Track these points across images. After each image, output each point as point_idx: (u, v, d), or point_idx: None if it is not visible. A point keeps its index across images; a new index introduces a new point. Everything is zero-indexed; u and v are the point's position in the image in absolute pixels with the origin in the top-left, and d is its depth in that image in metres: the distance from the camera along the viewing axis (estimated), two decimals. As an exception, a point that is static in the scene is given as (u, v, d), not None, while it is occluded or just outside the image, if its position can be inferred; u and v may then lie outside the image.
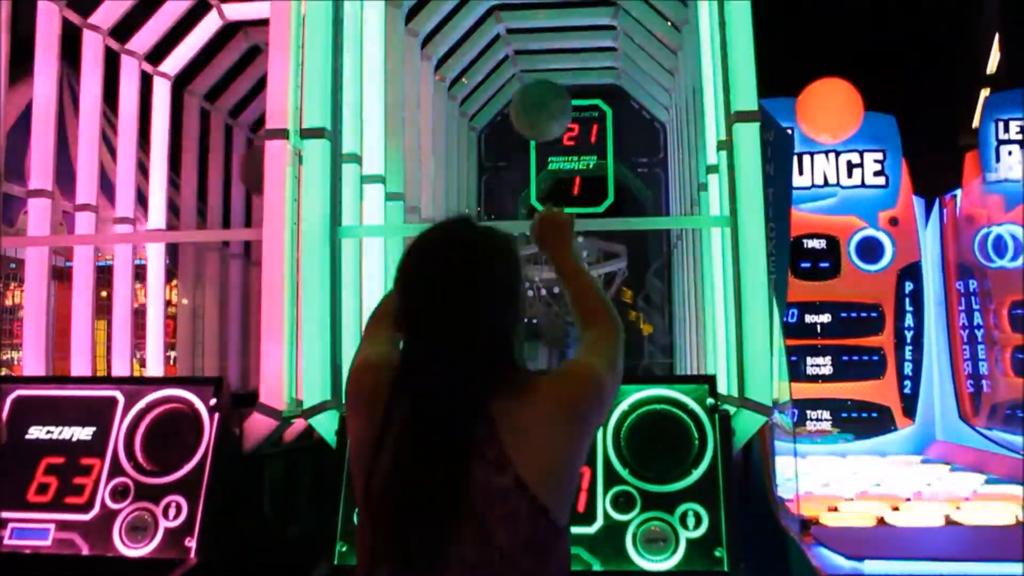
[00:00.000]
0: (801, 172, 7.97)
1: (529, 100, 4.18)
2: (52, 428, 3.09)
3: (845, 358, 7.79)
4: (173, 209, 5.67)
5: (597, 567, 2.66)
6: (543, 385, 1.47)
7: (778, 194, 5.01)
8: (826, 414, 7.66)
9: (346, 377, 1.63)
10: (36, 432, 3.09)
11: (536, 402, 1.43)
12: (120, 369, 4.62)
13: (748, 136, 3.11)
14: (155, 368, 5.04)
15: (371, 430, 1.44)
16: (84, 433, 3.07)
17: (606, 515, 2.74)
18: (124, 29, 4.73)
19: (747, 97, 3.15)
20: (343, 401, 3.24)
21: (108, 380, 3.81)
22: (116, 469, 2.98)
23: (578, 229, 1.93)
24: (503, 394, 1.42)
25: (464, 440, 1.37)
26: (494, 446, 1.37)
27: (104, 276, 4.81)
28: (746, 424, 2.98)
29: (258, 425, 3.21)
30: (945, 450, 7.27)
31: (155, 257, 5.11)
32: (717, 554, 2.65)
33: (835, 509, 4.71)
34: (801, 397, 7.55)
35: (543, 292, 7.32)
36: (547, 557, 1.39)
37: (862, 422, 7.64)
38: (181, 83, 5.51)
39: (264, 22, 3.71)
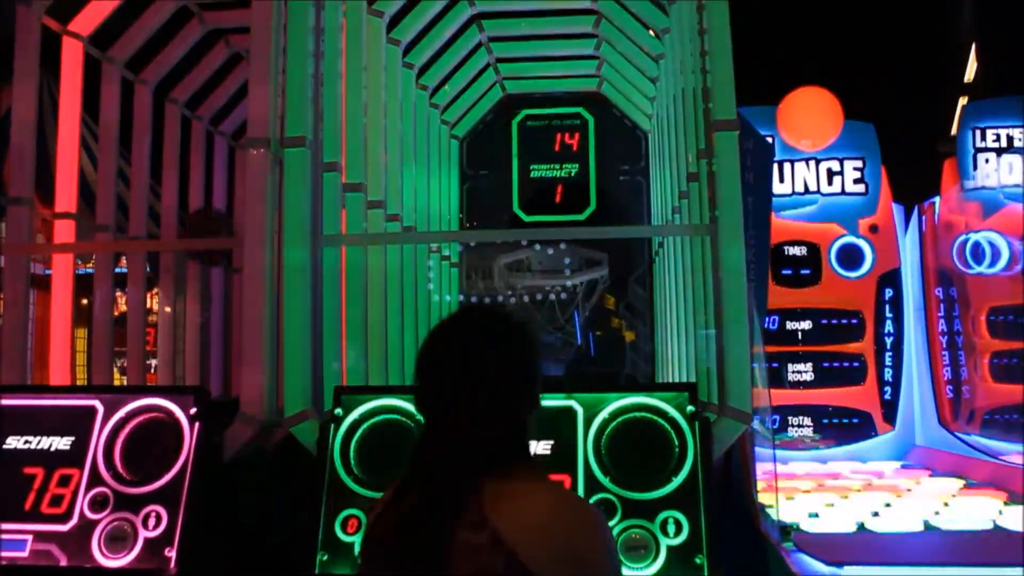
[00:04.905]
0: (782, 180, 8.03)
1: None
2: (30, 438, 3.06)
3: (826, 364, 7.86)
4: (154, 216, 5.64)
5: (578, 575, 2.66)
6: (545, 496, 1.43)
7: (758, 202, 5.06)
8: (807, 420, 7.72)
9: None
10: (14, 442, 3.06)
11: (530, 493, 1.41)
12: (100, 378, 4.58)
13: (727, 145, 3.13)
14: (135, 377, 5.00)
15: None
16: (63, 443, 3.04)
17: (587, 523, 2.73)
18: (105, 36, 4.71)
19: (726, 106, 3.17)
20: (324, 410, 3.23)
21: (87, 389, 3.78)
22: (95, 479, 2.95)
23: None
24: (497, 476, 1.41)
25: (450, 513, 1.36)
26: (475, 511, 1.36)
27: (84, 284, 4.77)
28: (726, 431, 3.00)
29: (239, 434, 3.19)
30: (925, 455, 7.33)
31: (135, 265, 5.08)
32: (698, 561, 2.66)
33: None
34: (782, 403, 7.59)
35: (525, 299, 7.32)
36: None
37: (843, 428, 7.70)
38: (162, 90, 5.49)
39: (245, 29, 3.69)
